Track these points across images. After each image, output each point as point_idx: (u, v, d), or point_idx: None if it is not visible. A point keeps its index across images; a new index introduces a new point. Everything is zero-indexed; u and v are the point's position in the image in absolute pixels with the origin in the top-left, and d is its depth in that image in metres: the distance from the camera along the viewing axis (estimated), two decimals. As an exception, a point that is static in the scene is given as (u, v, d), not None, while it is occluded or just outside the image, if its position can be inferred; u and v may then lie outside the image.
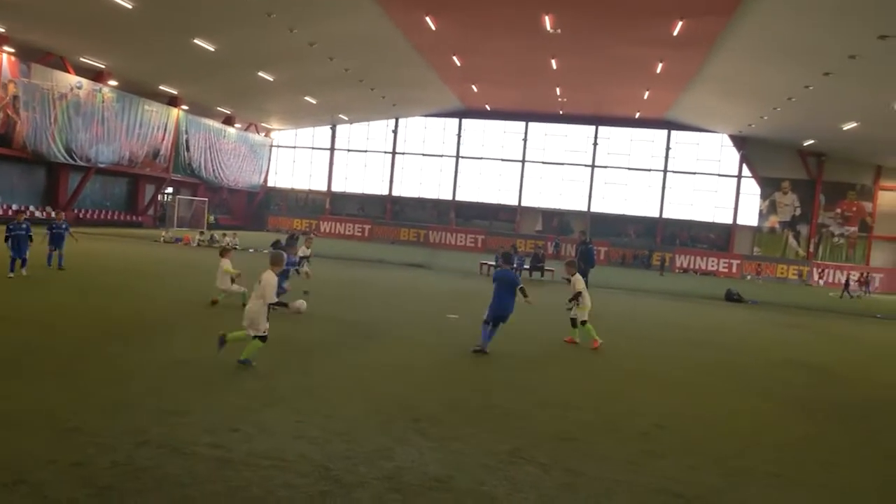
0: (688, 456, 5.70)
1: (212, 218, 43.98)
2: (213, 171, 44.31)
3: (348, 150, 52.60)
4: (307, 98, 41.30)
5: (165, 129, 38.76)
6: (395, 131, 51.18)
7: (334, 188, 52.88)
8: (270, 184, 53.31)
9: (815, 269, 43.64)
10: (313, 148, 53.26)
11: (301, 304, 8.07)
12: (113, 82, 34.63)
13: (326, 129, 52.45)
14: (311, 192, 53.26)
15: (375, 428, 5.58)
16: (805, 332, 16.17)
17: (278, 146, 53.51)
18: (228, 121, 46.08)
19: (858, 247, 44.66)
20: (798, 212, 45.16)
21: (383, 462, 4.78)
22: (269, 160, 52.61)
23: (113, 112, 34.38)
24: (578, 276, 10.86)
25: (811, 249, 44.95)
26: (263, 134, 51.68)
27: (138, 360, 7.22)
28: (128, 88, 35.33)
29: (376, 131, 51.76)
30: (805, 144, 42.31)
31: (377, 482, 4.42)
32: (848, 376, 10.43)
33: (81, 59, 31.74)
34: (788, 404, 8.07)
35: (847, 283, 34.14)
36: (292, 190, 53.56)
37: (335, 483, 4.34)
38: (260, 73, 34.23)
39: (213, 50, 29.56)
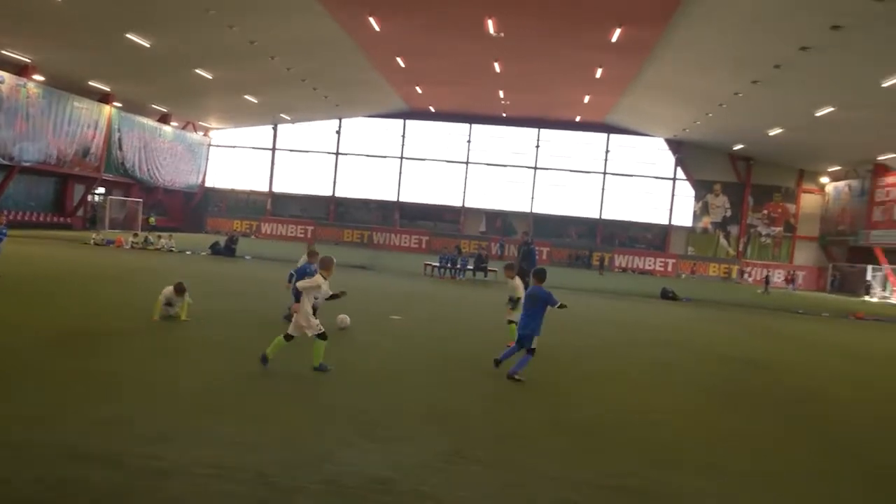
0: (626, 449, 5.86)
1: (152, 219, 42.43)
2: (148, 170, 42.78)
3: (290, 151, 51.77)
4: (247, 97, 40.44)
5: (96, 127, 37.17)
6: (338, 132, 50.70)
7: (276, 189, 51.94)
8: (209, 184, 51.89)
9: (744, 268, 45.72)
10: (254, 148, 52.19)
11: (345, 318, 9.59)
12: (39, 77, 32.96)
13: (268, 129, 51.48)
14: (251, 192, 52.14)
15: (315, 432, 5.51)
16: (734, 327, 16.92)
17: (217, 145, 52.15)
18: (164, 119, 44.57)
19: (783, 246, 47.06)
20: (729, 213, 47.24)
21: (323, 466, 4.73)
22: (208, 160, 51.18)
23: (39, 108, 32.69)
24: (519, 283, 10.74)
25: (740, 249, 47.06)
26: (201, 133, 50.26)
27: (71, 369, 6.91)
28: (55, 84, 33.67)
29: (319, 131, 51.14)
30: (735, 149, 44.29)
31: (316, 486, 4.37)
32: (774, 368, 10.97)
33: (4, 52, 30.09)
34: (721, 396, 8.42)
35: (767, 280, 35.88)
36: (232, 190, 52.29)
37: (273, 489, 4.27)
38: (197, 71, 33.27)
39: (147, 46, 28.54)
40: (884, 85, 24.43)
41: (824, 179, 45.91)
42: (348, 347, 9.52)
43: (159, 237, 28.39)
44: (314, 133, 51.35)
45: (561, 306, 8.31)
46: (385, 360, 8.84)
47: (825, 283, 44.67)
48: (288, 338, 7.53)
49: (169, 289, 10.27)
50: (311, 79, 36.63)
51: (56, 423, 5.15)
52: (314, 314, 7.80)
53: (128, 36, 27.46)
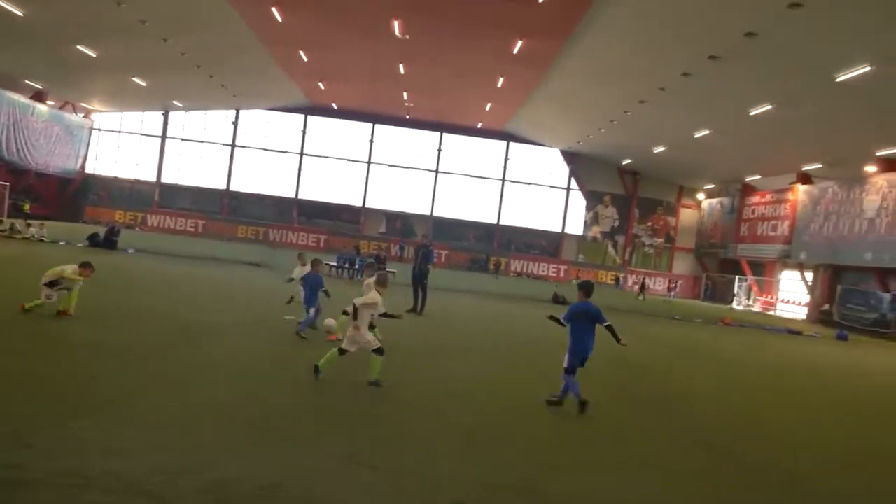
0: (514, 448, 6.05)
1: (26, 206, 38.70)
2: (18, 151, 39.02)
3: (182, 140, 49.13)
4: (136, 79, 37.90)
5: (-45, 100, 33.48)
6: (235, 123, 48.76)
7: (165, 179, 49.10)
8: (89, 170, 48.15)
9: (629, 275, 48.48)
10: (142, 134, 49.05)
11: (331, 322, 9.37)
12: None
13: (158, 115, 48.56)
14: (137, 181, 48.97)
15: (199, 437, 5.24)
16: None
17: (100, 129, 48.45)
18: (39, 97, 40.81)
19: (664, 256, 50.43)
20: (616, 223, 49.97)
21: (207, 473, 4.51)
22: (89, 144, 47.39)
23: None
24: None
25: (626, 257, 49.91)
26: (82, 115, 46.47)
27: None
28: None
29: (214, 121, 48.92)
30: (624, 163, 46.95)
31: (198, 495, 4.16)
32: (655, 370, 11.70)
33: None
34: (606, 397, 8.86)
35: (643, 286, 38.35)
36: (115, 178, 48.87)
37: (149, 499, 4.01)
38: (79, 47, 30.80)
39: (21, 14, 26.05)
40: (752, 113, 26.81)
41: (700, 196, 49.67)
42: (237, 347, 9.16)
43: (28, 225, 26.00)
44: (209, 123, 49.04)
45: (609, 327, 7.56)
46: (276, 362, 8.59)
47: (700, 291, 48.29)
48: (342, 352, 7.61)
49: (70, 267, 9.33)
50: (206, 65, 34.95)
51: None
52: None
53: (-2, 2, 24.96)
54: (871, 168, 30.39)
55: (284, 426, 5.83)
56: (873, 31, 18.28)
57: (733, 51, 21.37)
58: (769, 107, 25.79)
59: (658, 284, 47.41)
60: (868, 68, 19.86)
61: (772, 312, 38.69)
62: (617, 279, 47.97)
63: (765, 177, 39.71)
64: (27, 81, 38.97)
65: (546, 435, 6.70)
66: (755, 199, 41.33)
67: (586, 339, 7.67)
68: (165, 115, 48.67)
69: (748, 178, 41.58)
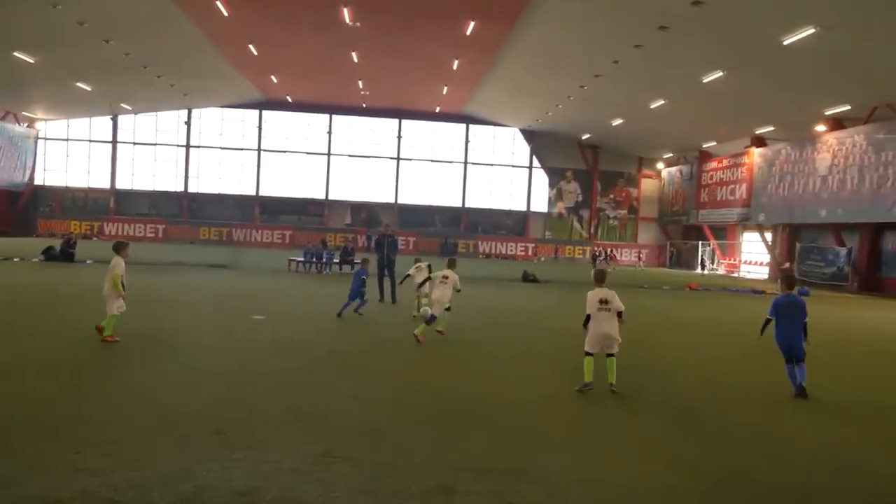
0: (491, 432, 6.08)
1: None
2: (-40, 167, 37.50)
3: (134, 144, 47.81)
4: (80, 84, 36.65)
5: None
6: (188, 123, 47.61)
7: (119, 185, 47.80)
8: (38, 181, 46.55)
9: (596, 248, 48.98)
10: (91, 141, 47.56)
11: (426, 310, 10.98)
12: None
13: (106, 120, 47.11)
14: (90, 190, 47.55)
15: (171, 448, 5.13)
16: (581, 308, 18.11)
17: (46, 138, 46.81)
18: (-23, 109, 39.22)
19: (629, 227, 51.18)
20: (580, 198, 50.47)
21: (181, 484, 4.42)
22: (35, 154, 45.73)
23: None
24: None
25: (592, 231, 50.50)
26: (26, 125, 44.76)
27: None
28: None
29: (167, 123, 47.70)
30: (583, 138, 47.32)
31: (174, 507, 4.09)
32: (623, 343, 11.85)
33: None
34: (576, 374, 8.97)
35: (594, 257, 38.97)
36: (67, 188, 47.37)
37: (124, 515, 3.94)
38: (17, 54, 29.59)
39: (-51, 25, 24.91)
40: (704, 80, 27.22)
41: (660, 165, 50.41)
42: (206, 351, 9.01)
43: (-22, 243, 25.09)
44: (161, 124, 47.78)
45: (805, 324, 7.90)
46: (248, 363, 8.46)
47: (665, 259, 49.19)
48: (432, 319, 10.50)
49: (116, 263, 9.11)
50: (153, 66, 33.96)
51: None
52: None
53: (-76, 13, 23.80)
54: (820, 128, 31.20)
55: (257, 428, 5.75)
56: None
57: (682, 20, 21.60)
58: (720, 73, 26.22)
59: (625, 255, 48.16)
60: (812, 30, 20.29)
61: (736, 274, 39.65)
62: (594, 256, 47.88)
63: (720, 143, 40.47)
64: (-36, 93, 37.40)
65: (528, 418, 6.74)
66: (713, 164, 42.12)
67: (792, 333, 7.76)
68: (114, 120, 47.23)
69: (705, 145, 42.32)
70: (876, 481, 5.39)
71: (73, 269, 21.96)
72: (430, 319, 10.60)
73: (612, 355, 7.71)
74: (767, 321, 8.10)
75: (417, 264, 13.70)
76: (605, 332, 7.70)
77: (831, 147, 30.56)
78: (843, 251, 31.56)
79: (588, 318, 7.75)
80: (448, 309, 10.94)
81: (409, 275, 13.81)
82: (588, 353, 7.75)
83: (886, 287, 29.50)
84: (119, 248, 9.45)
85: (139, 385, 7.11)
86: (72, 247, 24.75)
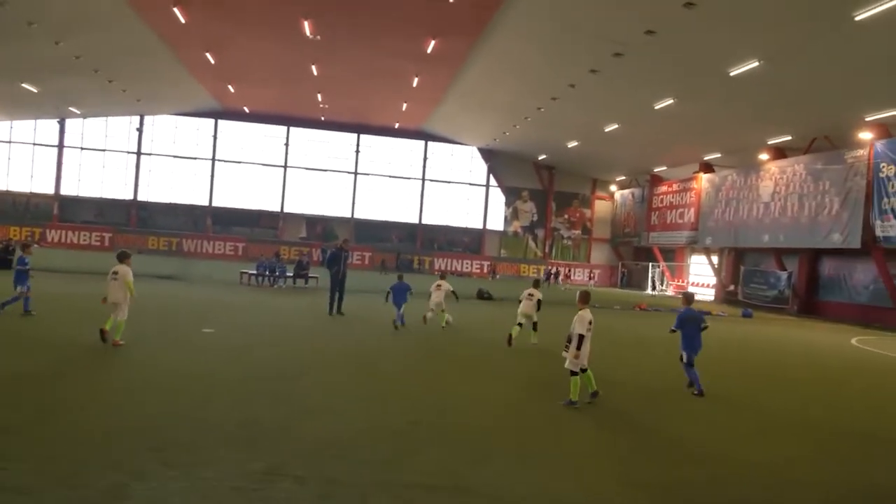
0: (440, 447, 6.06)
1: None
2: None
3: (82, 149, 46.29)
4: (25, 85, 35.33)
5: None
6: (139, 129, 46.42)
7: (64, 191, 46.11)
8: (-24, 185, 44.50)
9: (557, 269, 49.68)
10: (35, 144, 45.80)
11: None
12: None
13: (53, 123, 45.51)
14: (32, 195, 45.72)
15: (107, 464, 4.94)
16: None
17: (-14, 140, 44.87)
18: (-87, 107, 37.38)
19: (582, 247, 52.12)
20: (535, 217, 51.20)
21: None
22: (-26, 157, 43.78)
23: None
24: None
25: (546, 250, 51.21)
26: (-35, 125, 42.88)
27: None
28: None
29: (117, 128, 46.39)
30: (539, 158, 48.14)
31: (108, 527, 3.94)
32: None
33: None
34: (526, 387, 9.07)
35: (548, 276, 39.85)
36: (7, 192, 45.44)
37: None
38: (-42, 52, 28.41)
39: None
40: (656, 107, 28.12)
41: (613, 187, 51.62)
42: (150, 365, 8.74)
43: None
44: (112, 130, 46.42)
45: (705, 328, 9.54)
46: (194, 377, 8.25)
47: (616, 279, 50.20)
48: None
49: (123, 272, 9.80)
50: (105, 69, 33.04)
51: None
52: None
53: None
54: (764, 156, 32.56)
55: (199, 445, 5.58)
56: (761, 30, 19.59)
57: (636, 48, 22.32)
58: (671, 101, 27.13)
59: (578, 275, 48.97)
60: (756, 63, 21.25)
61: (683, 296, 40.68)
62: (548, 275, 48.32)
63: (671, 167, 41.78)
64: None
65: (479, 431, 6.75)
66: (663, 188, 43.39)
67: (696, 338, 9.34)
68: (62, 123, 45.69)
69: (656, 169, 43.59)
70: (813, 495, 5.57)
71: (10, 275, 20.97)
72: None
73: (585, 370, 8.16)
74: (673, 332, 9.53)
75: (438, 283, 14.97)
76: (588, 350, 8.08)
77: (774, 175, 31.89)
78: (784, 275, 32.83)
79: (582, 338, 7.95)
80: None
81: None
82: (575, 373, 7.99)
83: (823, 310, 30.78)
84: (123, 257, 10.20)
85: (78, 398, 6.85)
86: (10, 253, 23.68)
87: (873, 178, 25.57)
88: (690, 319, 9.43)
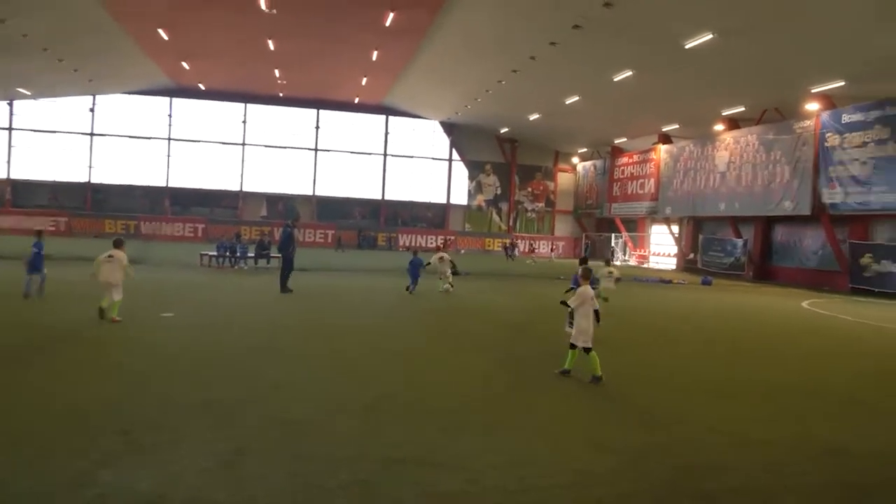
0: (410, 420, 6.19)
1: None
2: None
3: (33, 131, 44.59)
4: (-33, 66, 33.76)
5: None
6: (92, 110, 44.87)
7: (15, 175, 44.47)
8: (-82, 170, 42.55)
9: (516, 241, 50.14)
10: (-19, 127, 43.90)
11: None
12: None
13: (2, 105, 43.67)
14: (-19, 179, 43.96)
15: (71, 450, 4.94)
16: (504, 296, 18.65)
17: (-73, 123, 42.79)
18: None
19: (546, 220, 52.62)
20: (499, 191, 51.41)
21: (82, 490, 4.27)
22: (-85, 141, 41.75)
23: None
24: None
25: (511, 224, 51.59)
26: None
27: None
28: None
29: (70, 109, 44.71)
30: (502, 132, 48.19)
31: (77, 512, 3.99)
32: (538, 332, 12.35)
33: None
34: (494, 359, 9.27)
35: (507, 248, 40.55)
36: (-47, 177, 43.59)
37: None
38: None
39: None
40: (615, 79, 28.37)
41: (575, 160, 52.06)
42: (111, 349, 8.66)
43: None
44: (63, 111, 44.74)
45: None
46: (157, 358, 8.21)
47: (580, 250, 50.89)
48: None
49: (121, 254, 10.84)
50: (55, 48, 31.70)
51: None
52: None
53: None
54: (719, 127, 33.25)
55: (164, 427, 5.59)
56: (715, 3, 19.88)
57: (594, 20, 22.41)
58: (629, 73, 27.40)
59: (543, 247, 49.53)
60: (710, 36, 21.60)
61: (646, 265, 41.66)
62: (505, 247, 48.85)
63: (631, 139, 42.31)
64: None
65: (449, 404, 6.88)
66: (624, 160, 43.98)
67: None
68: (10, 105, 43.85)
69: (616, 141, 44.09)
70: (772, 452, 5.89)
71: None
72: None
73: (590, 349, 8.20)
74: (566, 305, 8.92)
75: (440, 254, 18.66)
76: (588, 329, 8.21)
77: (729, 145, 32.64)
78: (739, 242, 33.83)
79: (573, 313, 8.29)
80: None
81: (429, 262, 18.41)
82: (574, 347, 8.27)
83: (777, 275, 31.91)
84: (119, 243, 11.19)
85: (41, 381, 6.78)
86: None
87: (819, 147, 26.44)
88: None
